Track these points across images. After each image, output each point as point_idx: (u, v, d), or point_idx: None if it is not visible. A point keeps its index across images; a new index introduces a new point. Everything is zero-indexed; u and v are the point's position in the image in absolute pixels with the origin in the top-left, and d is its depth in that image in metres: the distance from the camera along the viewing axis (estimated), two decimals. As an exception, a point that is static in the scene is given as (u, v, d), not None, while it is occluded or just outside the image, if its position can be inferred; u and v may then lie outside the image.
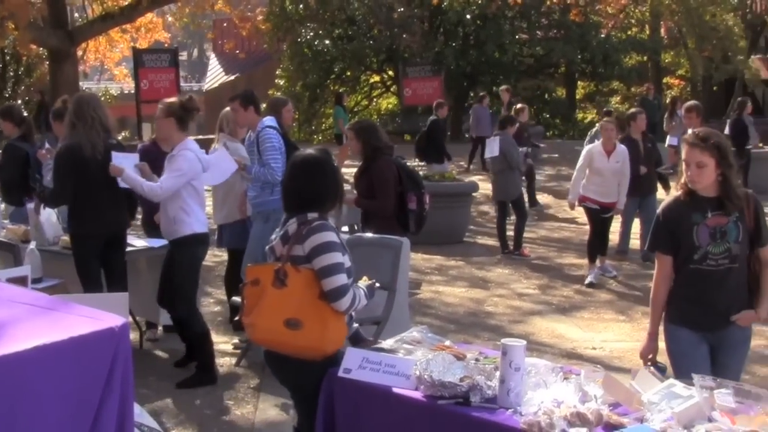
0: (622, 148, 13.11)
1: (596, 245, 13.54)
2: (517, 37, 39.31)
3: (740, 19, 41.25)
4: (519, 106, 19.81)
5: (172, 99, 8.74)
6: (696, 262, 5.91)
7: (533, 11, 38.42)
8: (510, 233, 15.25)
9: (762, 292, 5.99)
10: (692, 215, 5.91)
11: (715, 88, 42.00)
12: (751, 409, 4.39)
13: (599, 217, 13.40)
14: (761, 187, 21.04)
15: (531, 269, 14.28)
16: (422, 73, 36.42)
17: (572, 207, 13.74)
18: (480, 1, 36.84)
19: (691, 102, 15.30)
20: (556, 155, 29.35)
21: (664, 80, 45.26)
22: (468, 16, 37.23)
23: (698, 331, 6.01)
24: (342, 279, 5.35)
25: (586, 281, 13.29)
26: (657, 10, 39.53)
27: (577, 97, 45.46)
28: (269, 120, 9.85)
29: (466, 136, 36.04)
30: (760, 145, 22.44)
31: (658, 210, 6.16)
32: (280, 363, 5.56)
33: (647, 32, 43.73)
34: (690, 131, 6.06)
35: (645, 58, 42.50)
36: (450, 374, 5.00)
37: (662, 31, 44.13)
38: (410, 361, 5.23)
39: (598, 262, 13.59)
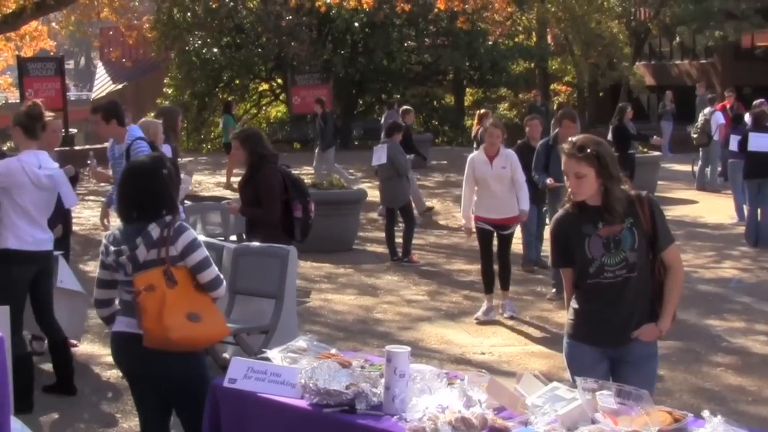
0: (507, 153, 11.52)
1: (492, 273, 11.72)
2: (405, 44, 39.50)
3: (625, 26, 42.04)
4: (405, 107, 19.94)
5: (22, 108, 8.49)
6: (593, 275, 5.65)
7: (421, 19, 38.60)
8: (399, 240, 15.27)
9: (664, 303, 5.72)
10: (583, 227, 5.68)
11: (601, 94, 42.73)
12: (633, 409, 4.43)
13: (492, 238, 11.63)
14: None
15: (420, 276, 14.31)
16: (311, 81, 36.40)
17: (468, 232, 11.79)
18: (368, 9, 36.93)
19: (564, 109, 14.89)
20: (445, 162, 29.53)
21: (552, 87, 45.86)
22: (356, 24, 37.30)
23: (598, 346, 5.76)
24: (215, 269, 5.80)
25: (476, 316, 11.62)
26: (543, 18, 40.08)
27: (466, 104, 45.82)
28: (137, 130, 9.70)
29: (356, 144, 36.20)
30: (646, 150, 22.84)
31: (550, 225, 5.98)
32: (166, 363, 5.57)
33: (534, 39, 44.31)
34: (567, 140, 5.82)
35: (532, 64, 43.07)
36: (335, 382, 4.98)
37: (549, 38, 44.76)
38: (295, 370, 5.20)
39: (502, 298, 11.88)
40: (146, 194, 5.69)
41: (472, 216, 11.54)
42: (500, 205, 11.47)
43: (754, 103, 19.85)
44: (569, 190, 5.70)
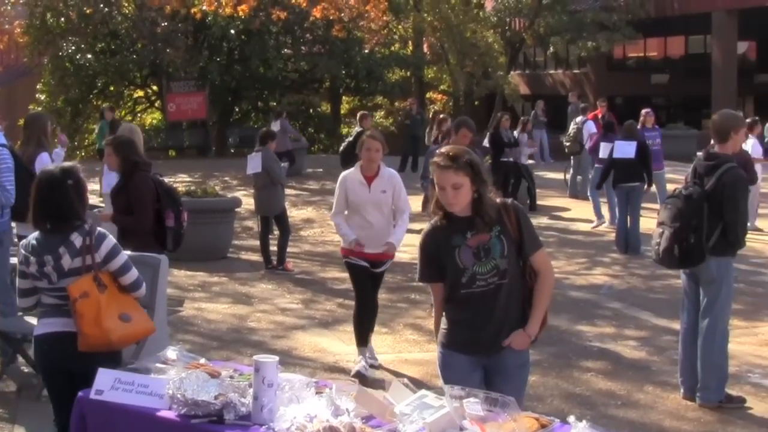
0: (389, 174, 9.58)
1: (366, 317, 9.87)
2: (281, 52, 39.37)
3: (500, 36, 42.49)
4: (362, 112, 20.36)
5: None
6: (465, 285, 5.64)
7: (297, 27, 38.52)
8: (273, 248, 15.21)
9: (533, 308, 5.74)
10: (452, 238, 5.66)
11: (476, 102, 43.13)
12: (500, 416, 4.46)
13: (368, 275, 9.74)
14: (521, 199, 21.71)
15: (294, 284, 14.26)
16: (186, 89, 36.10)
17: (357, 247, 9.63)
18: (244, 17, 36.74)
19: (461, 118, 14.77)
20: (321, 170, 29.52)
21: (427, 95, 46.17)
22: (232, 31, 37.03)
23: (472, 355, 5.74)
24: (135, 271, 6.19)
25: (353, 371, 9.52)
26: (419, 27, 40.35)
27: (342, 112, 45.87)
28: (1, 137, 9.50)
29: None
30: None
31: (420, 239, 5.91)
32: (97, 359, 5.65)
33: (410, 48, 44.55)
34: (438, 152, 5.78)
35: (408, 73, 43.29)
36: (204, 392, 4.92)
37: (425, 47, 45.05)
38: (163, 381, 5.13)
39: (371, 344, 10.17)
40: (54, 205, 5.94)
41: (352, 237, 9.51)
42: (377, 236, 9.51)
43: (644, 111, 20.39)
44: (436, 202, 5.69)
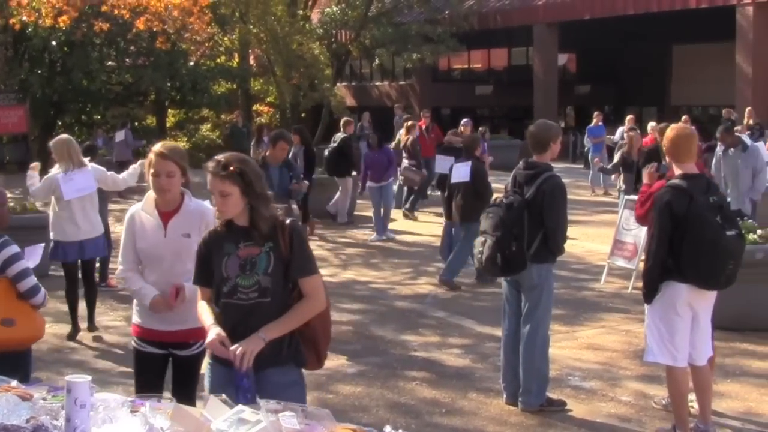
0: (197, 208, 6.61)
1: None
2: (105, 64, 38.74)
3: (326, 48, 42.59)
4: (345, 119, 21.36)
5: None
6: (227, 295, 5.53)
7: (120, 39, 37.96)
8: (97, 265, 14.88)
9: (280, 317, 5.49)
10: (225, 246, 5.59)
11: (303, 114, 43.12)
12: (316, 429, 4.44)
13: (160, 367, 6.83)
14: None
15: (118, 301, 13.99)
16: (6, 102, 35.18)
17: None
18: (65, 28, 36.03)
19: (278, 131, 14.79)
20: (144, 184, 29.03)
21: (254, 107, 45.99)
22: (54, 43, 36.31)
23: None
24: (33, 279, 6.64)
25: None
26: (245, 39, 40.20)
27: (168, 124, 45.35)
28: None
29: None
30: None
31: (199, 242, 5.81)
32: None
33: (236, 60, 44.33)
34: (213, 159, 5.64)
35: (234, 85, 43.06)
36: (15, 416, 4.75)
37: (251, 59, 44.88)
38: (-29, 405, 4.94)
39: None
40: None
41: (153, 293, 6.63)
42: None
43: (480, 129, 20.79)
44: (216, 208, 5.61)
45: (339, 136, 21.75)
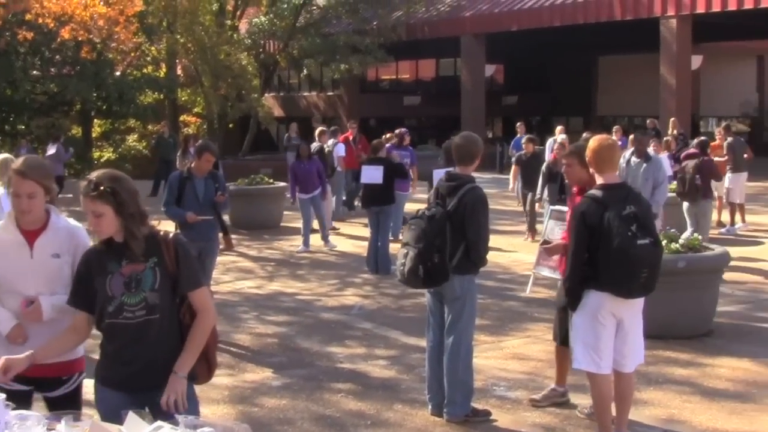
0: (65, 228, 5.96)
1: None
2: (30, 73, 38.32)
3: (254, 58, 42.50)
4: (321, 128, 20.34)
5: None
6: (112, 315, 5.35)
7: (45, 48, 37.58)
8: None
9: (185, 348, 5.42)
10: (107, 264, 5.41)
11: (231, 125, 43.01)
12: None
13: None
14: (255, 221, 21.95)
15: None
16: (-76, 112, 34.72)
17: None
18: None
19: (203, 142, 14.49)
20: (70, 195, 28.73)
21: (181, 118, 45.74)
22: (-24, 52, 35.86)
23: (126, 392, 5.39)
24: None
25: None
26: (172, 49, 39.98)
27: (94, 135, 44.94)
28: None
29: None
30: (271, 181, 23.19)
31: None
32: None
33: (163, 70, 44.07)
34: (86, 178, 5.46)
35: (161, 96, 42.79)
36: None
37: (178, 69, 44.64)
38: None
39: None
40: None
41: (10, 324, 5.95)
42: (45, 333, 5.78)
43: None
44: (90, 228, 5.46)
45: (315, 146, 21.68)
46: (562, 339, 9.02)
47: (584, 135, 16.89)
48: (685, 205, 17.26)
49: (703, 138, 18.69)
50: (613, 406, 8.21)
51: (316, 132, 23.19)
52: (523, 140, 21.43)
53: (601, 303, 7.77)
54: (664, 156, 16.71)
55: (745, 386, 9.92)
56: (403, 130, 21.08)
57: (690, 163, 17.08)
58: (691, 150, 17.86)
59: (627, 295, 7.75)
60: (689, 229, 16.68)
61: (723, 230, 20.70)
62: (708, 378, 10.23)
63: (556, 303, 9.35)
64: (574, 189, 8.85)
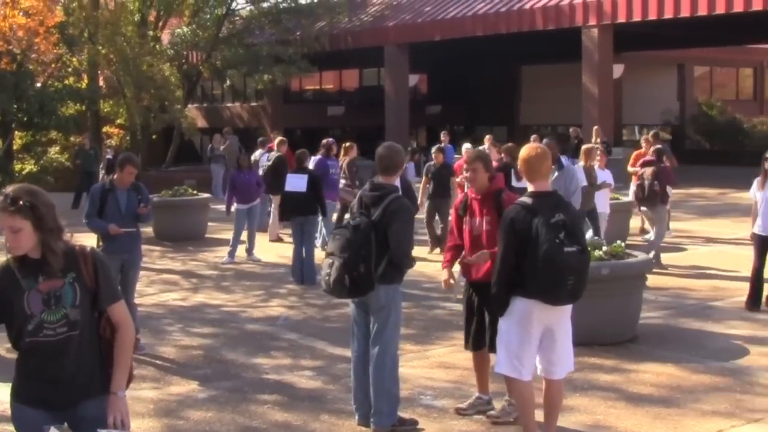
0: None
1: None
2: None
3: (177, 69, 42.24)
4: (280, 138, 21.11)
5: None
6: (32, 333, 5.23)
7: (-37, 59, 36.99)
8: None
9: (115, 366, 5.40)
10: (23, 281, 5.25)
11: (154, 136, 42.69)
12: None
13: None
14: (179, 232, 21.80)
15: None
16: None
17: None
18: None
19: (125, 154, 14.28)
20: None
21: (104, 129, 45.28)
22: None
23: (45, 408, 5.31)
24: None
25: None
26: (94, 60, 39.59)
27: (15, 147, 44.28)
28: None
29: None
30: (196, 192, 23.02)
31: None
32: None
33: (85, 81, 43.58)
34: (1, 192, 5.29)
35: (83, 107, 42.29)
36: None
37: (101, 80, 44.21)
38: None
39: None
40: None
41: None
42: None
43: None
44: (8, 244, 5.27)
45: (274, 155, 21.56)
46: (474, 345, 9.12)
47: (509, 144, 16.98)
48: (643, 209, 18.03)
49: (659, 146, 19.23)
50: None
51: (276, 141, 23.04)
52: (433, 150, 21.38)
53: (528, 310, 7.81)
54: (578, 166, 16.82)
55: (669, 391, 10.03)
56: (330, 140, 21.05)
57: (648, 170, 17.55)
58: (649, 158, 18.19)
59: (554, 302, 7.79)
60: (651, 231, 17.84)
61: (648, 236, 20.99)
62: (633, 384, 10.33)
63: (464, 308, 9.35)
64: (458, 190, 8.91)
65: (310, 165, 19.21)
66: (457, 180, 18.67)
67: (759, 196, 13.68)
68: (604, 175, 17.81)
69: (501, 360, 8.13)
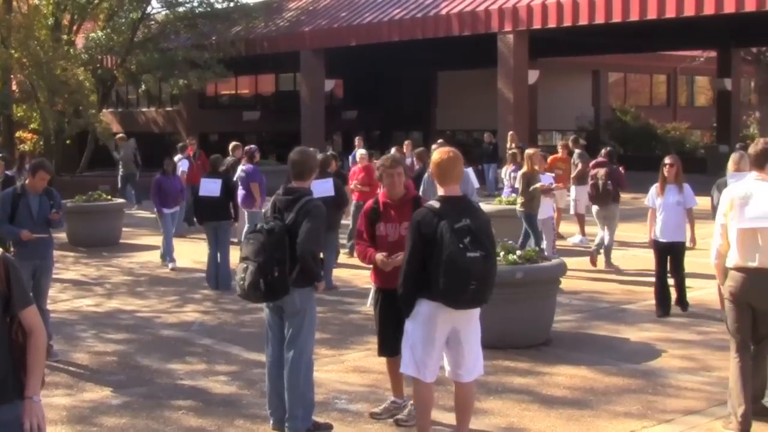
0: None
1: None
2: None
3: (91, 73, 41.78)
4: (252, 146, 20.38)
5: None
6: None
7: None
8: None
9: (29, 371, 5.33)
10: None
11: (68, 141, 42.16)
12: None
13: None
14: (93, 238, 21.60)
15: None
16: None
17: None
18: None
19: (38, 160, 14.04)
20: None
21: (17, 134, 44.65)
22: None
23: None
24: None
25: None
26: (7, 64, 38.98)
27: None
28: None
29: None
30: (110, 198, 22.81)
31: None
32: None
33: (-2, 86, 42.96)
34: None
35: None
36: None
37: (13, 84, 43.57)
38: None
39: None
40: None
41: None
42: None
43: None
44: None
45: (229, 159, 21.38)
46: (388, 351, 9.13)
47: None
48: (595, 209, 18.34)
49: (610, 148, 20.26)
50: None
51: (231, 146, 22.81)
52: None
53: (432, 312, 7.88)
54: (469, 169, 17.10)
55: (582, 393, 10.17)
56: (252, 147, 20.97)
57: (601, 171, 18.14)
58: (600, 159, 18.68)
59: (455, 306, 7.85)
60: (600, 232, 18.12)
61: (576, 240, 21.44)
62: (546, 386, 10.44)
63: (376, 314, 9.37)
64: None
65: (242, 174, 19.22)
66: (352, 186, 18.81)
67: (658, 202, 13.82)
68: (545, 180, 18.11)
69: (406, 360, 8.21)
